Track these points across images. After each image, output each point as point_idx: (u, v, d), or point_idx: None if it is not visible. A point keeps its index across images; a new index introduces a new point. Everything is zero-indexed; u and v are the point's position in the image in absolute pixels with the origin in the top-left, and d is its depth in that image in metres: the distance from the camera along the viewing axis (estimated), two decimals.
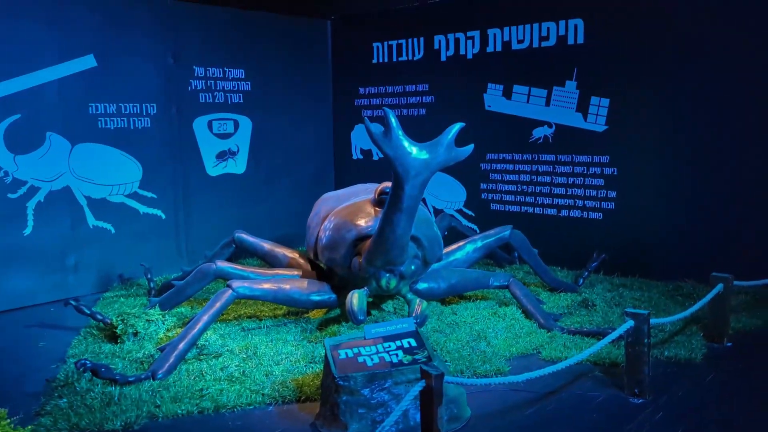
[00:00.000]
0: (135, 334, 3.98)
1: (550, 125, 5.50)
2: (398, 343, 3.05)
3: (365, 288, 3.74)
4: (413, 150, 3.19)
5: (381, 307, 4.35)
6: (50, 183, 5.14)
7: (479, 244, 4.57)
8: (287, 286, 4.00)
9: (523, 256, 4.69)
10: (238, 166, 6.35)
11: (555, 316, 4.16)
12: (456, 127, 3.27)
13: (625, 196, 5.17)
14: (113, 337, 4.00)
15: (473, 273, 4.35)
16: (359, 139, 6.90)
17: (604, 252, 5.04)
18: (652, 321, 3.11)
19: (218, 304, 3.79)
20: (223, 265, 4.21)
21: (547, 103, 5.48)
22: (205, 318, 3.71)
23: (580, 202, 5.41)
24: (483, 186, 5.99)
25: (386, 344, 3.05)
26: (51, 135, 5.12)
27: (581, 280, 4.90)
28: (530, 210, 5.71)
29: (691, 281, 4.76)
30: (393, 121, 3.15)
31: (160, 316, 4.15)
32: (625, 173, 5.15)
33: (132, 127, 5.55)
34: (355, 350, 3.01)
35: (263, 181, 6.52)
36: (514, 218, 5.74)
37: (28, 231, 5.05)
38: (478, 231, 6.01)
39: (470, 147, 3.37)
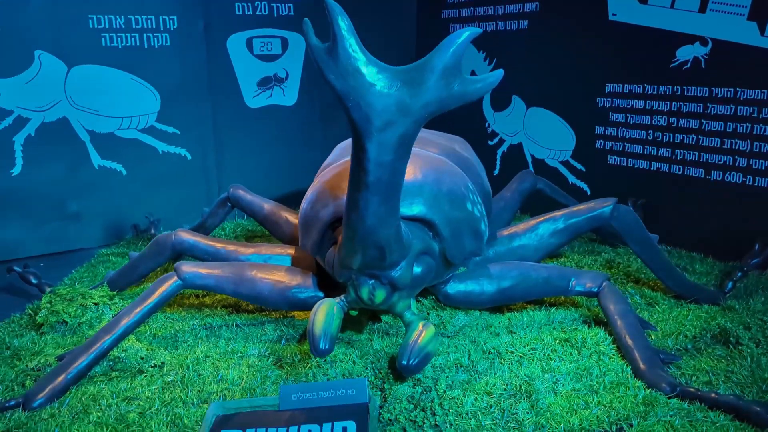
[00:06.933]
0: (64, 323, 2.98)
1: (704, 42, 3.64)
2: (326, 429, 1.71)
3: (341, 297, 2.39)
4: (378, 80, 1.74)
5: (377, 315, 2.98)
6: (42, 113, 4.24)
7: (561, 224, 3.01)
8: (257, 275, 2.76)
9: (632, 246, 3.04)
10: (286, 96, 5.11)
11: (667, 356, 2.54)
12: (463, 36, 1.75)
13: None
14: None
15: (543, 270, 2.82)
16: None
17: None
18: None
19: (155, 296, 2.68)
20: (184, 236, 3.05)
21: (702, 8, 3.61)
22: (133, 315, 2.61)
23: (743, 161, 3.57)
24: (599, 130, 4.26)
25: (305, 428, 1.72)
26: (41, 54, 4.16)
27: (730, 284, 3.17)
28: (665, 168, 3.94)
29: None
30: (341, 24, 1.70)
31: (106, 299, 3.11)
32: None
33: (146, 46, 4.47)
34: None
35: (319, 116, 5.23)
36: (641, 178, 4.03)
37: (16, 171, 4.21)
38: (588, 192, 4.37)
39: (497, 74, 1.83)
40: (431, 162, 2.59)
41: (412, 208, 2.42)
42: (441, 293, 2.73)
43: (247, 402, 1.84)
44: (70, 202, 4.41)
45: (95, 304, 3.05)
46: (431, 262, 2.41)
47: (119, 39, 4.37)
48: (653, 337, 2.72)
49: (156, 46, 4.50)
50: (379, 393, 2.30)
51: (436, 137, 3.12)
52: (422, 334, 2.21)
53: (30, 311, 3.17)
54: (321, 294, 2.73)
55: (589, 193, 4.37)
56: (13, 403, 2.34)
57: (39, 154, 4.24)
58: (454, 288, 2.71)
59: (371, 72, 1.73)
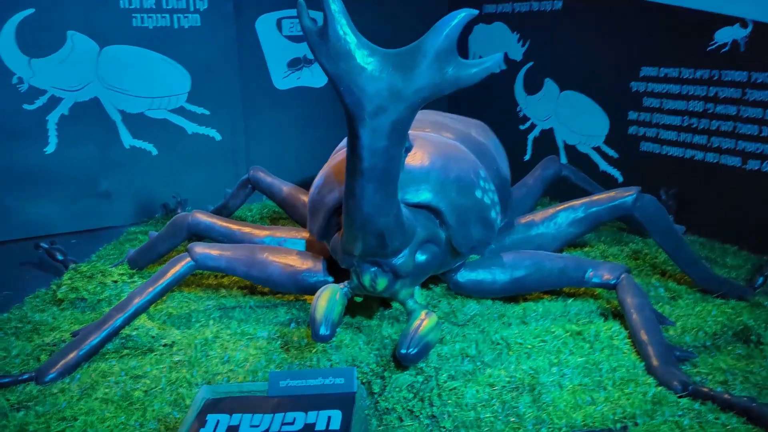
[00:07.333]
0: (83, 300, 3.04)
1: (744, 24, 3.45)
2: (311, 417, 1.70)
3: (346, 284, 2.37)
4: (369, 63, 1.69)
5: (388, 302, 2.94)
6: (75, 93, 4.32)
7: (581, 214, 2.92)
8: (268, 258, 2.77)
9: (655, 237, 2.93)
10: (315, 77, 5.09)
11: (682, 353, 2.45)
12: (458, 18, 1.68)
13: None
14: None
15: (559, 260, 2.75)
16: (479, 44, 5.24)
17: None
18: None
19: (167, 276, 2.73)
20: (200, 217, 3.07)
21: None
22: (145, 294, 2.66)
23: None
24: (633, 115, 4.12)
25: (291, 416, 1.71)
26: (73, 34, 4.23)
27: (761, 279, 3.02)
28: (700, 156, 3.78)
29: None
30: (332, 5, 1.67)
31: (125, 277, 3.17)
32: None
33: (177, 27, 4.50)
34: (236, 419, 1.72)
35: None
36: (675, 166, 3.88)
37: (50, 149, 4.31)
38: (620, 180, 4.24)
39: (495, 58, 1.76)
40: (440, 148, 2.54)
41: (418, 195, 2.38)
42: (451, 281, 2.68)
43: (237, 387, 1.85)
44: (101, 180, 4.50)
45: (114, 281, 3.11)
46: (436, 251, 2.37)
47: (150, 19, 4.41)
48: (671, 333, 2.62)
49: (186, 27, 4.52)
50: (379, 381, 2.27)
51: (453, 121, 3.05)
52: (423, 322, 2.18)
53: (54, 287, 3.25)
54: (330, 279, 2.71)
55: (620, 180, 4.23)
56: (26, 376, 2.41)
57: (72, 133, 4.32)
58: (464, 276, 2.66)
59: (362, 55, 1.69)
